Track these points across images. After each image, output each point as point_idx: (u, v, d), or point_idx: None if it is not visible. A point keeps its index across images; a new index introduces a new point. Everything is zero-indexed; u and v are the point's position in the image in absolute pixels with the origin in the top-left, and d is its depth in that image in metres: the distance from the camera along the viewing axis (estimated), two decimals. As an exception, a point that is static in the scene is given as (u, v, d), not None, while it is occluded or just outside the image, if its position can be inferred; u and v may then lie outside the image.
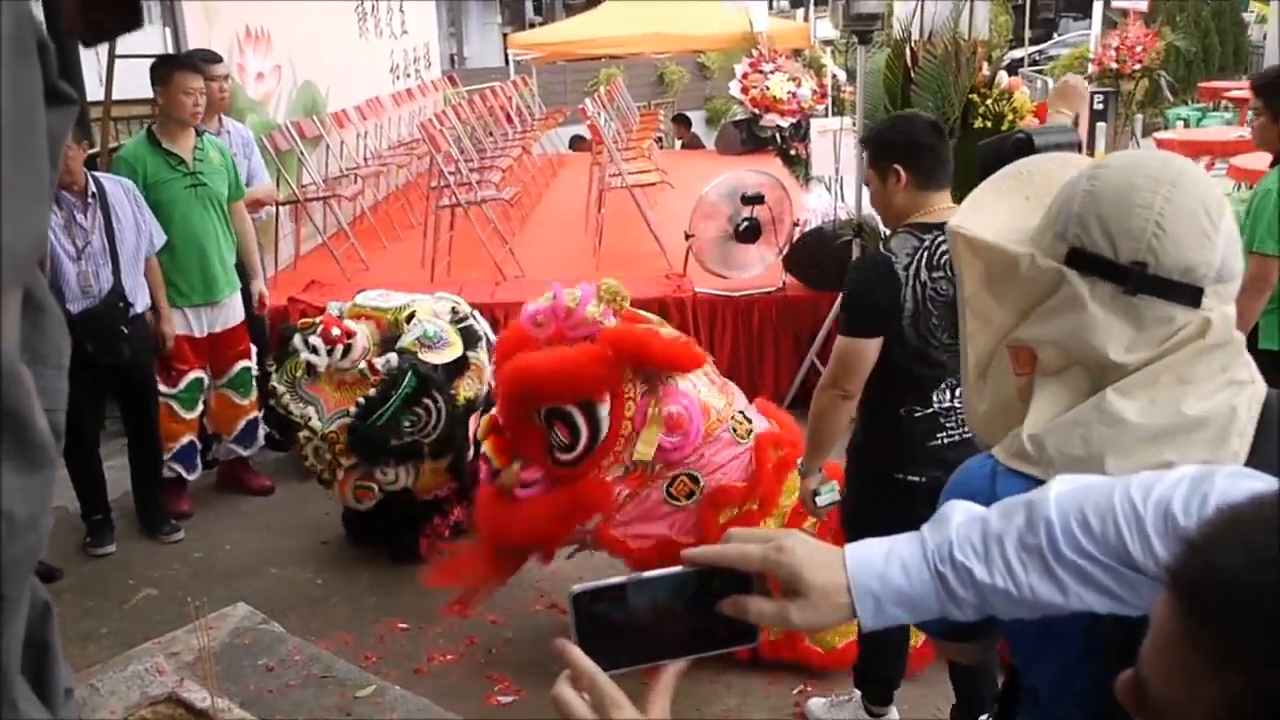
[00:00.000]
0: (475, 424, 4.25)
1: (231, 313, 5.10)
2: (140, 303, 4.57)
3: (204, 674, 2.74)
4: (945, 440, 2.91)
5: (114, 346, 4.39)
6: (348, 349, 4.31)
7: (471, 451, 4.30)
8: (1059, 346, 1.23)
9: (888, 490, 2.90)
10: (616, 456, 3.44)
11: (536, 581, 4.23)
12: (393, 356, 4.24)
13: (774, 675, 3.64)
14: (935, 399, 2.90)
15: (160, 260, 4.79)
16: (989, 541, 1.05)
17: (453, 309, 4.52)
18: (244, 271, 5.22)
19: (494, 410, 3.79)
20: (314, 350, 4.31)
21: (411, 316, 4.38)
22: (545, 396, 3.41)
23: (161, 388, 4.89)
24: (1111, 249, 1.19)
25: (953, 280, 2.82)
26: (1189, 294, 1.18)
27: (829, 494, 2.99)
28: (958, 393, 2.89)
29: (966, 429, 2.94)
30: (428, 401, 4.22)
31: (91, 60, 6.26)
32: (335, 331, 4.34)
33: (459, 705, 3.40)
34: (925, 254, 2.83)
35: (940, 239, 2.84)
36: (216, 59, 5.43)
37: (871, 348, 2.84)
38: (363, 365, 4.28)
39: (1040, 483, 1.17)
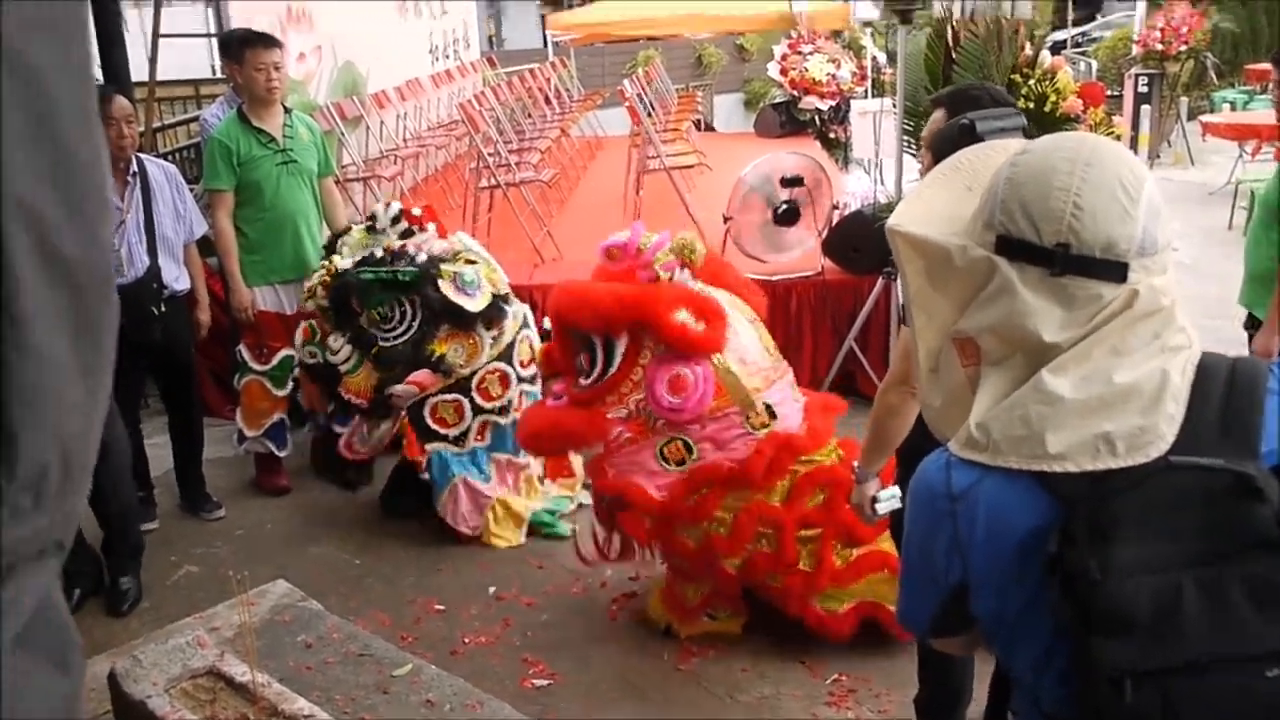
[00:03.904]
0: (430, 381, 4.39)
1: None
2: (179, 285, 4.59)
3: (244, 649, 2.77)
4: None
5: (146, 327, 4.39)
6: (410, 233, 4.48)
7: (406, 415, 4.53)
8: (996, 334, 1.26)
9: None
10: (621, 398, 3.56)
11: (572, 566, 4.25)
12: (423, 255, 4.41)
13: (810, 665, 3.64)
14: None
15: (252, 237, 4.85)
16: None
17: (507, 293, 4.61)
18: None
19: None
20: (387, 205, 4.59)
21: (472, 263, 4.48)
22: (572, 318, 3.60)
23: (254, 365, 4.96)
24: (1035, 232, 1.22)
25: None
26: (1113, 270, 1.21)
27: (889, 501, 2.76)
28: None
29: None
30: (411, 301, 4.35)
31: (135, 40, 6.32)
32: (417, 211, 4.58)
33: (494, 687, 3.42)
34: None
35: None
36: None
37: None
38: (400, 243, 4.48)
39: (989, 469, 1.23)
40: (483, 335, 4.42)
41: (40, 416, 0.62)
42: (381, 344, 4.38)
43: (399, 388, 4.37)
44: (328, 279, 4.45)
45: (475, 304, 4.36)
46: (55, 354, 0.62)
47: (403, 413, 4.53)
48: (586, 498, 4.74)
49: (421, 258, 4.38)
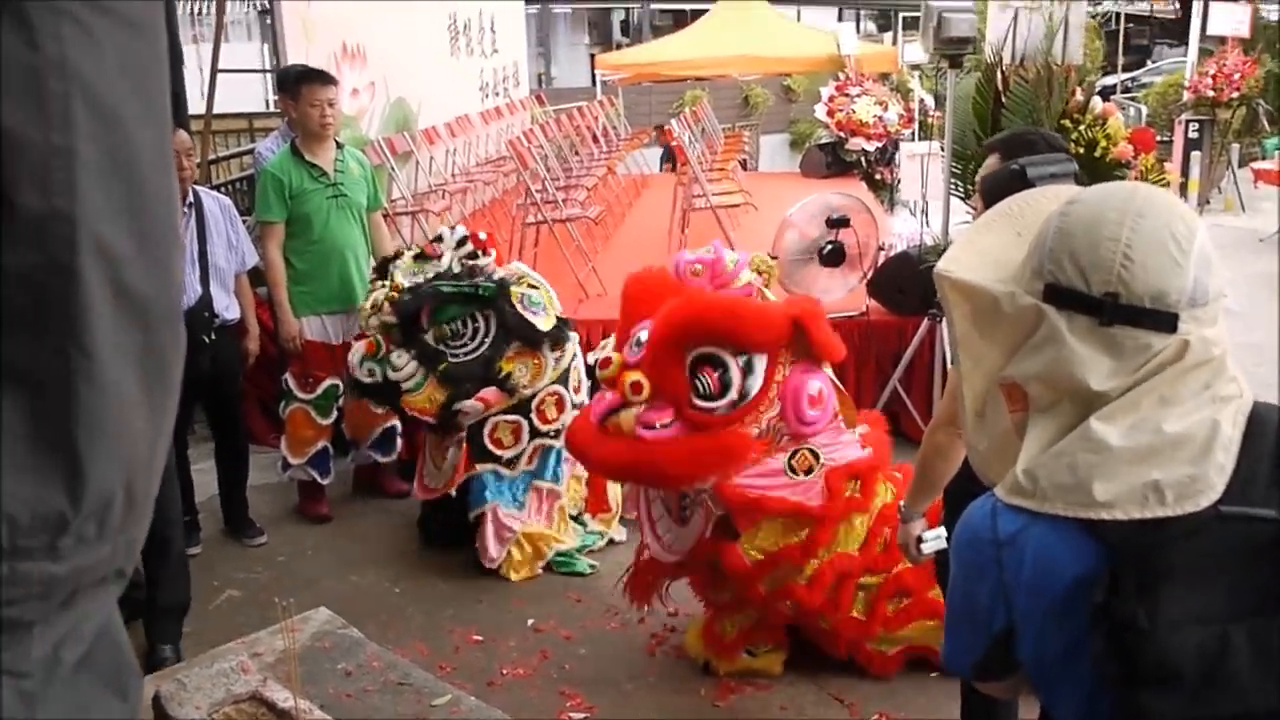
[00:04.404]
0: (496, 399, 4.39)
1: None
2: (229, 315, 4.66)
3: (287, 675, 2.79)
4: None
5: (196, 355, 4.40)
6: (475, 255, 4.52)
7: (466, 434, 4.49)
8: (1044, 381, 1.26)
9: None
10: (757, 416, 3.45)
11: (610, 599, 4.24)
12: (500, 272, 4.47)
13: (849, 704, 3.61)
14: None
15: (301, 268, 4.93)
16: None
17: (567, 319, 4.69)
18: None
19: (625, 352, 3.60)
20: (453, 229, 4.62)
21: (534, 287, 4.55)
22: (711, 336, 3.39)
23: (299, 394, 5.02)
24: (1084, 282, 1.22)
25: None
26: (1163, 321, 1.20)
27: (935, 541, 2.72)
28: None
29: None
30: (485, 316, 4.37)
31: (193, 75, 6.46)
32: (483, 235, 4.61)
33: (531, 719, 3.42)
34: None
35: None
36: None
37: None
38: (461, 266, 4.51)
39: (1036, 516, 1.22)
40: (547, 356, 4.45)
41: (108, 447, 0.63)
42: (450, 360, 4.38)
43: (467, 404, 4.36)
44: (394, 295, 4.43)
45: (544, 323, 4.41)
46: (123, 386, 0.64)
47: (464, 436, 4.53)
48: (620, 535, 4.75)
49: (499, 274, 4.45)
